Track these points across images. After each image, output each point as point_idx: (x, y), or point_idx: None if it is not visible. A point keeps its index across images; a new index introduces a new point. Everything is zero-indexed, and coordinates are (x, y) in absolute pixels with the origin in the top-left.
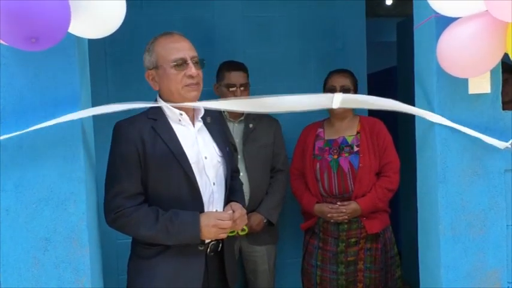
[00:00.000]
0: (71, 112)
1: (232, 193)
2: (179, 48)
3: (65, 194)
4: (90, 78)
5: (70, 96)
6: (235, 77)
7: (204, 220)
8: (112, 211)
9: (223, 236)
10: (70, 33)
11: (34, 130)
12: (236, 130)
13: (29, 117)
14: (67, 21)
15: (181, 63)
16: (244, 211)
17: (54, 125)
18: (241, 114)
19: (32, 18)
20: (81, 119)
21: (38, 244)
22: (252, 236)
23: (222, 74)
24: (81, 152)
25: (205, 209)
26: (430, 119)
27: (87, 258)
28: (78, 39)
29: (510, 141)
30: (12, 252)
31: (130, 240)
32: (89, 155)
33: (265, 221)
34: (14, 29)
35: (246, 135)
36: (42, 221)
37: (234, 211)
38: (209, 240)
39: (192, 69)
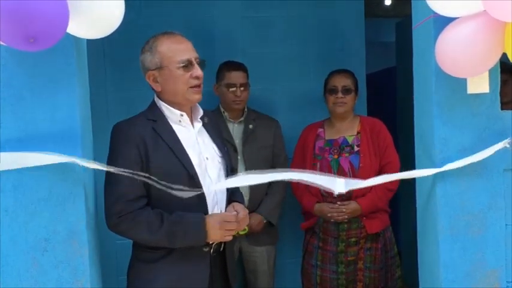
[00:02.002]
0: (69, 112)
1: (232, 193)
2: (184, 49)
3: (64, 194)
4: (89, 78)
5: (68, 96)
6: (236, 76)
7: (209, 222)
8: (114, 215)
9: (229, 238)
10: (68, 34)
11: (32, 130)
12: (236, 131)
13: (28, 118)
14: (65, 21)
15: (188, 64)
16: (247, 211)
17: (52, 125)
18: (241, 114)
19: (31, 18)
20: (79, 120)
21: (37, 244)
22: (252, 236)
23: (222, 74)
24: (79, 152)
25: (210, 211)
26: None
27: (86, 259)
28: (77, 40)
29: (509, 140)
30: (11, 253)
31: (130, 240)
32: (87, 154)
33: (265, 221)
34: (13, 29)
35: (246, 135)
36: (41, 221)
37: (237, 212)
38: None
39: (198, 71)
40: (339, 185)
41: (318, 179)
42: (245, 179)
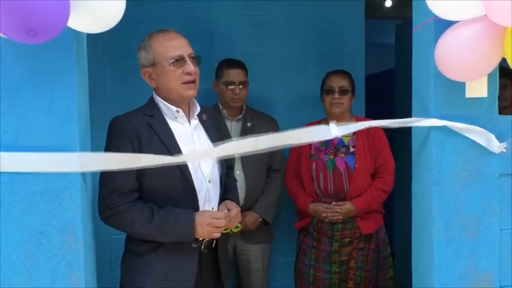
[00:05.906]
0: (67, 105)
1: (226, 190)
2: (177, 45)
3: (60, 187)
4: (88, 72)
5: (67, 90)
6: (235, 74)
7: (198, 219)
8: (107, 207)
9: (217, 235)
10: (69, 27)
11: (30, 123)
12: (234, 129)
13: (25, 110)
14: (66, 15)
15: (180, 60)
16: (239, 209)
17: (50, 117)
18: (239, 112)
19: (31, 10)
20: (77, 113)
21: (32, 237)
22: (247, 234)
23: (221, 71)
24: (77, 146)
25: (201, 207)
26: (428, 125)
27: (81, 253)
28: (77, 33)
29: (505, 144)
30: (6, 245)
31: (125, 236)
32: (84, 147)
33: (260, 220)
34: (13, 21)
35: (244, 133)
36: (37, 214)
37: (229, 209)
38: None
39: (191, 66)
40: (332, 129)
41: (312, 134)
42: (234, 146)
